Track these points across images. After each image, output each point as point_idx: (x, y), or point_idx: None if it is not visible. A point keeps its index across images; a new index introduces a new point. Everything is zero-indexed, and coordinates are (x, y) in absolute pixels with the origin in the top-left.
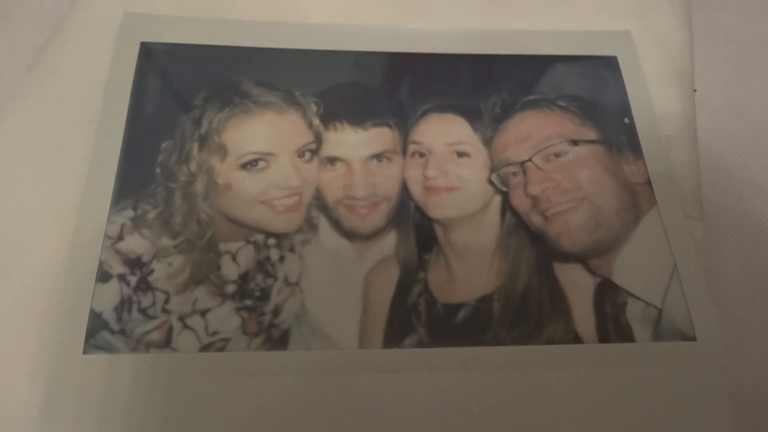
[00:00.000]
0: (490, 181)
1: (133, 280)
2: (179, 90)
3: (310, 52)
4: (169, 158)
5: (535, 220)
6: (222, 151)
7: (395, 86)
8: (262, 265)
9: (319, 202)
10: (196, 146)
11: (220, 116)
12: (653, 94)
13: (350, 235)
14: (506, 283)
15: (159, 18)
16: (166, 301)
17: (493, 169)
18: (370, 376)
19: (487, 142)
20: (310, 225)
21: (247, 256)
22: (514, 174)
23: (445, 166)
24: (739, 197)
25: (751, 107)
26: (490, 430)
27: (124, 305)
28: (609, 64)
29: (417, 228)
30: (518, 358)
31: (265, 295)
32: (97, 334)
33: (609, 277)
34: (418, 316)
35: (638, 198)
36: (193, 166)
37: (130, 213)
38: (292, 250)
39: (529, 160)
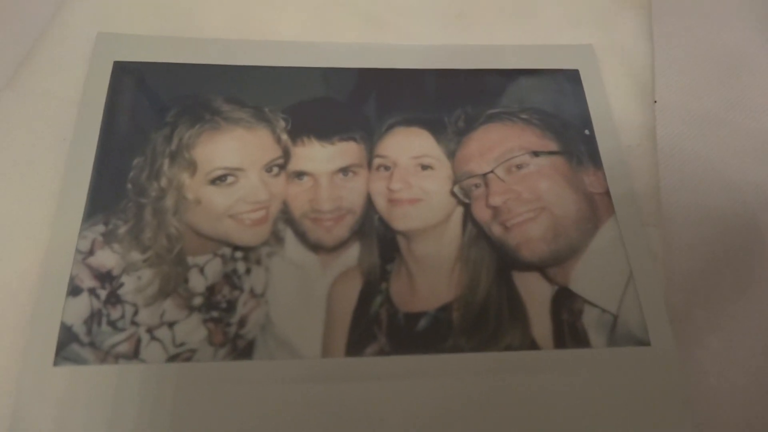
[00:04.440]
0: (453, 193)
1: (103, 293)
2: (151, 107)
3: (278, 69)
4: (141, 174)
5: (496, 230)
6: (192, 166)
7: (362, 101)
8: (229, 278)
9: (286, 215)
10: (166, 162)
11: (190, 132)
12: (614, 106)
13: (316, 247)
14: (466, 293)
15: (132, 38)
16: (135, 313)
17: (455, 181)
18: (332, 384)
19: (451, 155)
20: (276, 238)
21: (214, 269)
22: (477, 186)
23: (409, 178)
24: (698, 205)
25: (710, 117)
26: None
27: (93, 318)
28: (571, 77)
29: (380, 240)
30: (477, 364)
31: (231, 306)
32: (68, 346)
33: (566, 285)
34: (379, 326)
35: (597, 208)
36: (163, 181)
37: (101, 228)
38: (258, 262)
39: (491, 171)
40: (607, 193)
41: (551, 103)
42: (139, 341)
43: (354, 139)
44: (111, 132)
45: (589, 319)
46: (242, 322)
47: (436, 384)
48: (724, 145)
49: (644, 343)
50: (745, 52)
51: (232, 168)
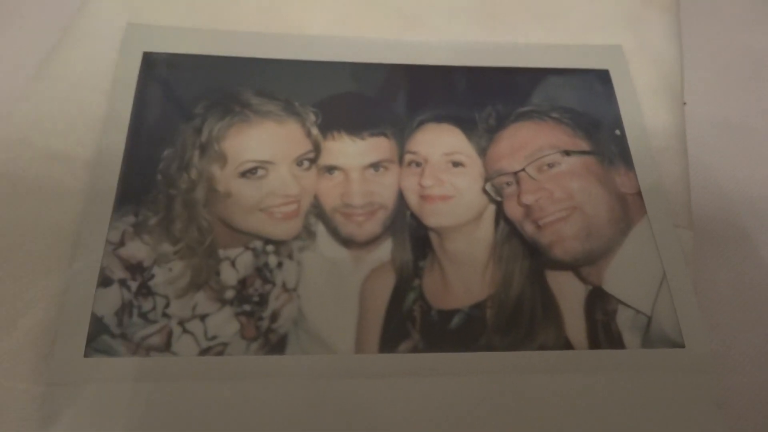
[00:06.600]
0: (485, 191)
1: (134, 285)
2: (181, 99)
3: (309, 63)
4: (170, 166)
5: (528, 229)
6: (222, 159)
7: (393, 97)
8: (261, 271)
9: (317, 209)
10: (196, 154)
11: (220, 125)
12: (644, 107)
13: (347, 242)
14: (499, 291)
15: (161, 29)
16: (166, 305)
17: (487, 178)
18: (365, 380)
19: (482, 152)
20: (308, 232)
21: (245, 262)
22: (508, 184)
23: (440, 175)
24: (729, 207)
25: (740, 119)
26: None
27: (124, 309)
28: (601, 78)
29: (412, 236)
30: (510, 363)
31: (263, 300)
32: (98, 337)
33: (600, 285)
34: (413, 322)
35: (629, 208)
36: (193, 173)
37: (131, 219)
38: (290, 256)
39: (523, 170)
40: (639, 194)
41: (581, 102)
42: (170, 334)
43: (384, 135)
44: (140, 123)
45: (623, 319)
46: (274, 316)
47: (470, 382)
48: (752, 149)
49: (678, 345)
50: None
51: (263, 161)
